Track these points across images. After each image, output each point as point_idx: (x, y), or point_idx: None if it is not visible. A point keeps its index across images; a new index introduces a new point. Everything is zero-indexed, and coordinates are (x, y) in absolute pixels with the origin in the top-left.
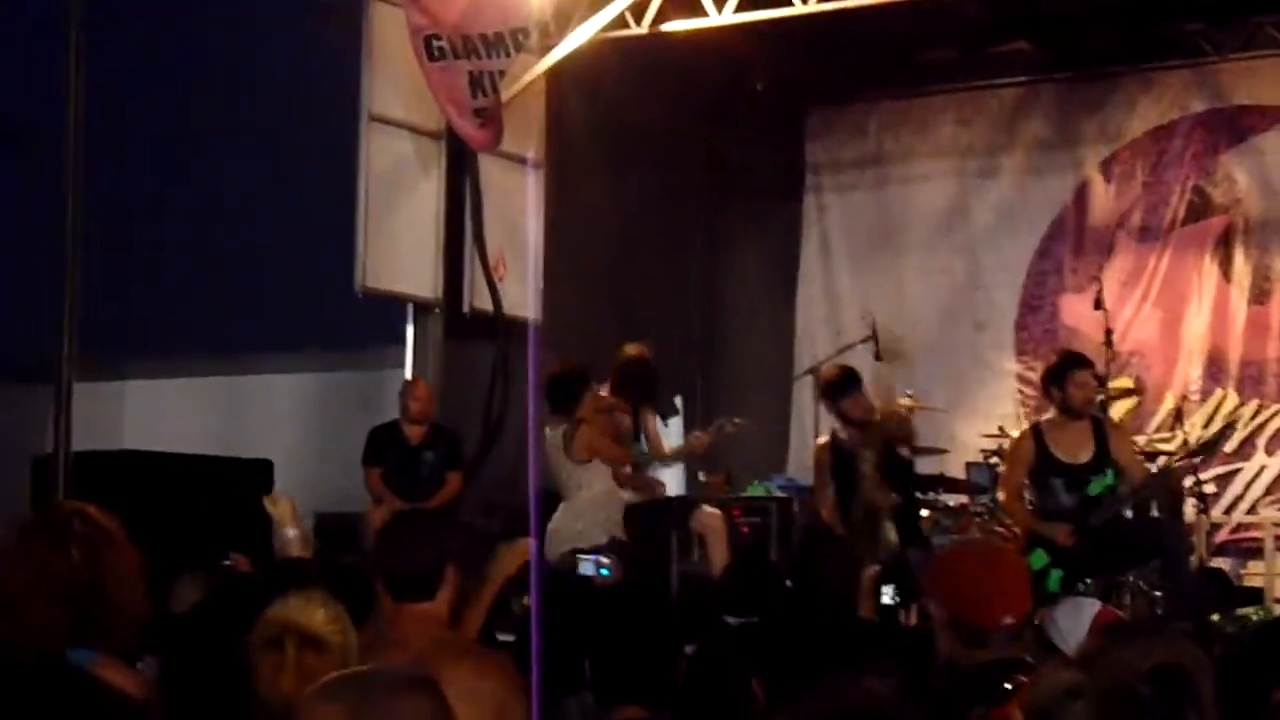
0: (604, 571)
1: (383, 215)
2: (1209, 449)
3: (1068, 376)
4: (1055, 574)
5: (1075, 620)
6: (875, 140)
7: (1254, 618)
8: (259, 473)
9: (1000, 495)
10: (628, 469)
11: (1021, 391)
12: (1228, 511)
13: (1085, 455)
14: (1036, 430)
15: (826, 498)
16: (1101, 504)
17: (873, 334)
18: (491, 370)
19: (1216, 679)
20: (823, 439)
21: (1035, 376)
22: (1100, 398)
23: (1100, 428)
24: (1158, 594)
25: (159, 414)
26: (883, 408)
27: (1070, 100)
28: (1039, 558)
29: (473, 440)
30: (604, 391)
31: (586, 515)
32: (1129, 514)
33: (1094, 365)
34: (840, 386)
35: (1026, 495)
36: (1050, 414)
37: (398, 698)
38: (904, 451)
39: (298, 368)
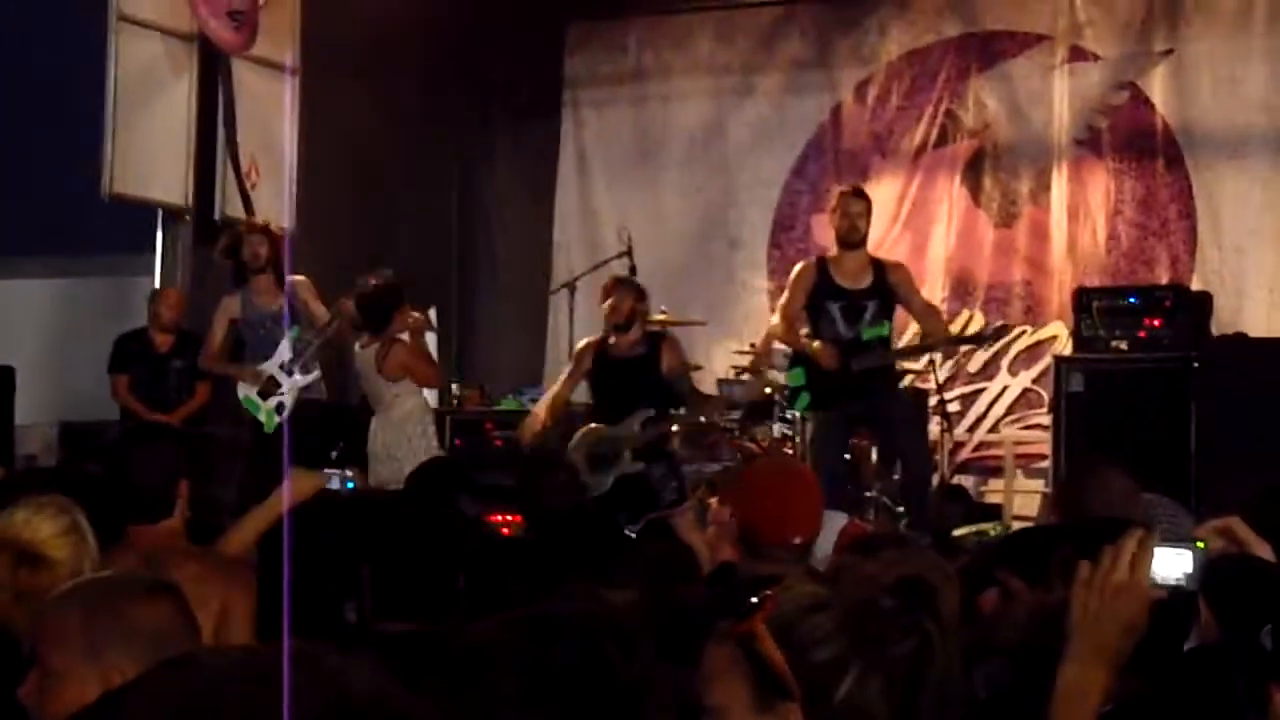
0: (349, 485)
1: (132, 119)
2: (977, 340)
3: (840, 202)
4: (805, 396)
5: (827, 530)
6: (634, 56)
7: (992, 533)
8: (0, 379)
9: (774, 319)
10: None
11: (774, 310)
12: (970, 430)
13: (864, 282)
14: (820, 259)
15: (555, 396)
16: (870, 349)
17: (628, 249)
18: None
19: (959, 590)
20: (587, 340)
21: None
22: None
23: (880, 265)
24: (900, 509)
25: None
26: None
27: (827, 21)
28: (796, 376)
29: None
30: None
31: (402, 430)
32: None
33: (865, 195)
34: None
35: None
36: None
37: (136, 602)
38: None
39: (43, 273)
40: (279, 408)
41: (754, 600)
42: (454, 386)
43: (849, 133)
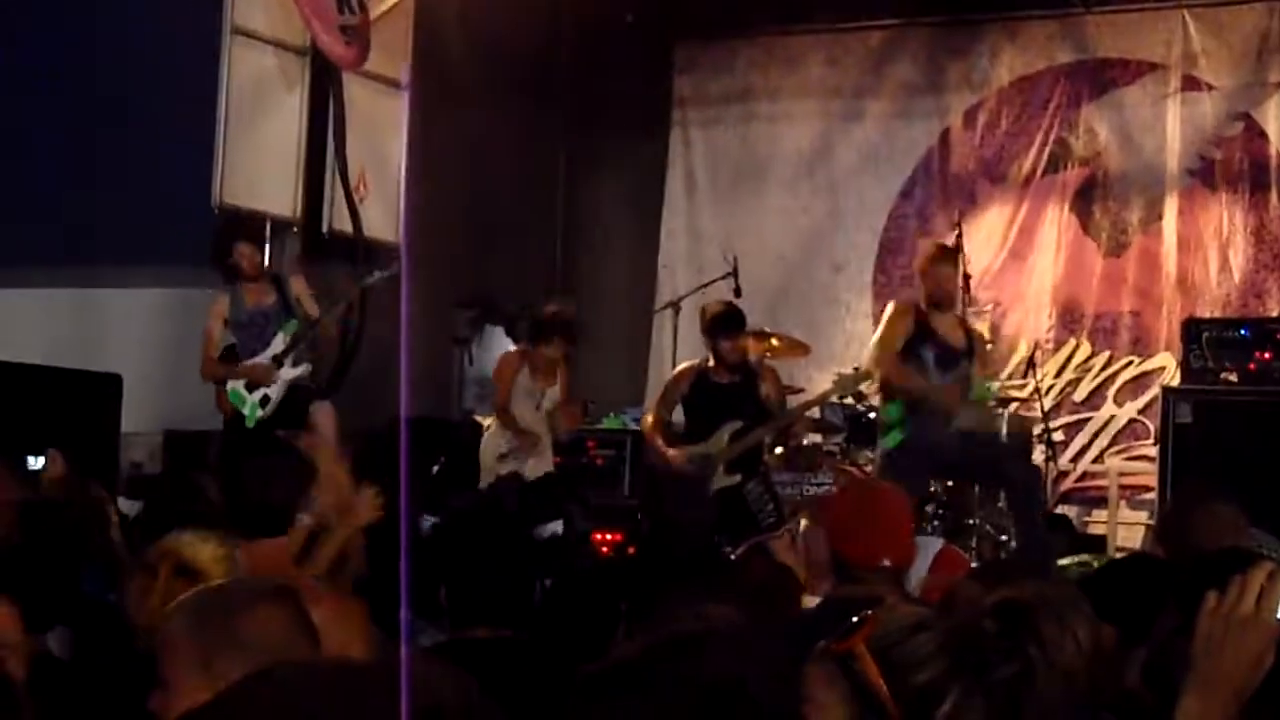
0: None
1: (243, 131)
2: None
3: (930, 266)
4: (897, 434)
5: (922, 555)
6: (743, 77)
7: (1094, 565)
8: (108, 387)
9: (869, 354)
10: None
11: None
12: (1074, 460)
13: (958, 340)
14: (918, 306)
15: (654, 418)
16: (977, 404)
17: (733, 271)
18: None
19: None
20: (687, 364)
21: None
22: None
23: (969, 331)
24: (1004, 538)
25: (7, 324)
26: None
27: (937, 46)
28: (895, 409)
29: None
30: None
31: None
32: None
33: (956, 257)
34: (723, 324)
35: None
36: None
37: (246, 612)
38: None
39: (152, 283)
40: (263, 400)
41: (854, 620)
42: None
43: (957, 158)
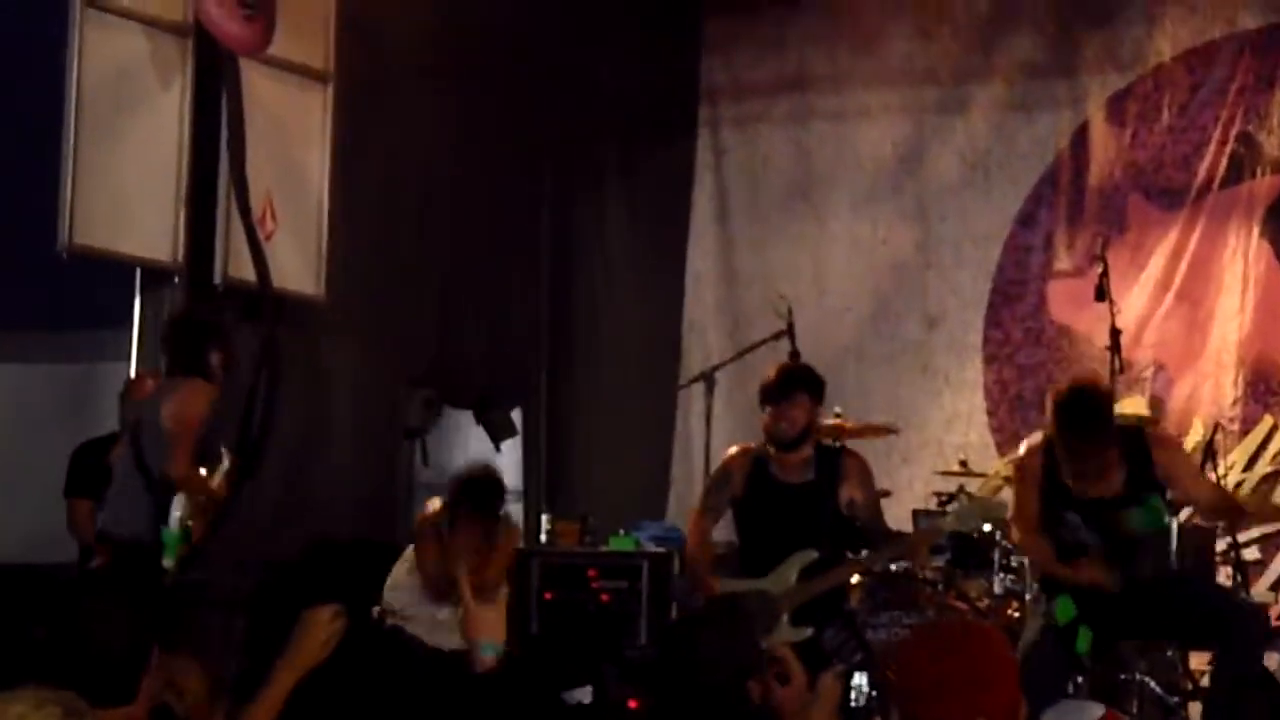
0: None
1: (102, 144)
2: None
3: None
4: (1085, 633)
5: None
6: (797, 58)
7: None
8: None
9: (1013, 529)
10: None
11: (994, 414)
12: (1276, 589)
13: (1114, 485)
14: (1048, 446)
15: (700, 528)
16: (1147, 545)
17: (788, 328)
18: (254, 368)
19: None
20: (740, 448)
21: (1011, 391)
22: None
23: (1136, 442)
24: (1174, 700)
25: None
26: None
27: (1070, 11)
28: (1066, 608)
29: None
30: None
31: None
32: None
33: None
34: (775, 389)
35: None
36: None
37: None
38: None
39: None
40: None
41: None
42: (544, 519)
43: (1099, 165)
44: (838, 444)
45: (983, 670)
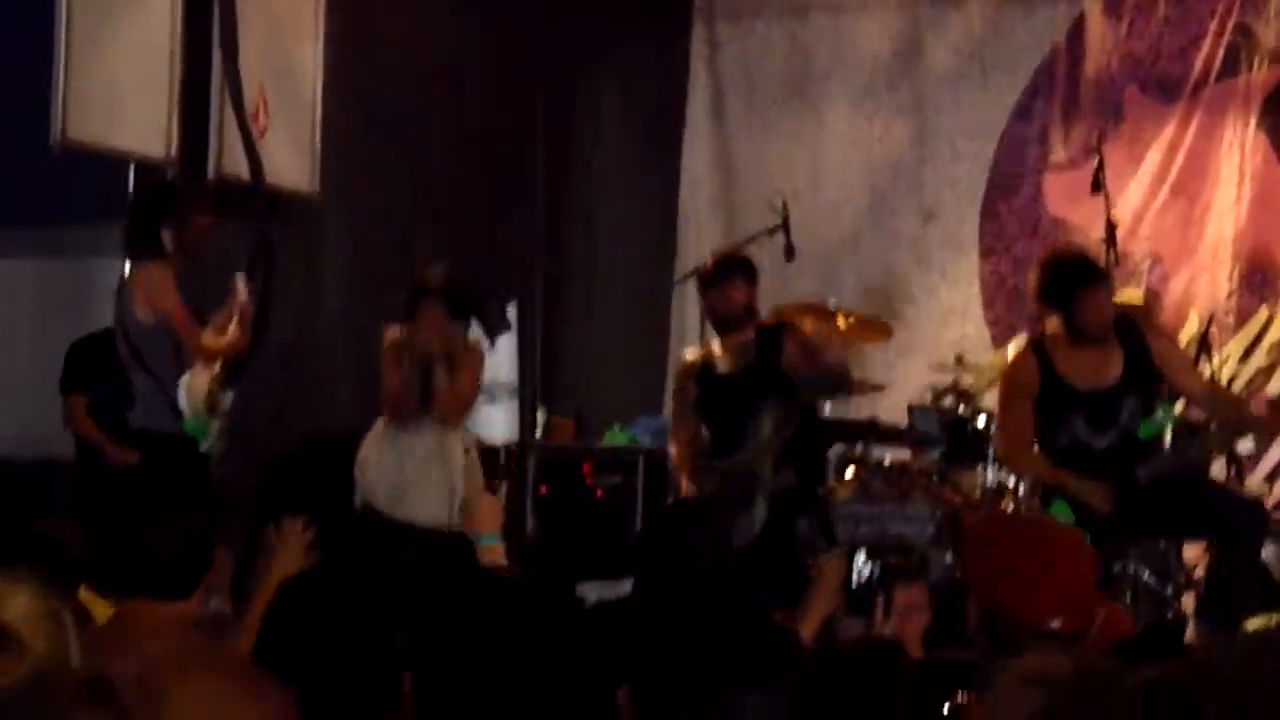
0: None
1: (94, 37)
2: None
3: (1078, 296)
4: (1063, 507)
5: None
6: None
7: None
8: None
9: (998, 443)
10: None
11: (990, 308)
12: (1270, 480)
13: (1112, 375)
14: (1038, 347)
15: (679, 436)
16: (1154, 453)
17: (783, 223)
18: (248, 262)
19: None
20: (689, 353)
21: (1007, 284)
22: None
23: (1132, 330)
24: (1168, 591)
25: None
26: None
27: None
28: (1061, 511)
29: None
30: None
31: None
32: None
33: (1106, 280)
34: (711, 276)
35: None
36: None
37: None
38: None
39: None
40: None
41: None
42: (539, 414)
43: (1095, 57)
44: (779, 323)
45: (1070, 565)
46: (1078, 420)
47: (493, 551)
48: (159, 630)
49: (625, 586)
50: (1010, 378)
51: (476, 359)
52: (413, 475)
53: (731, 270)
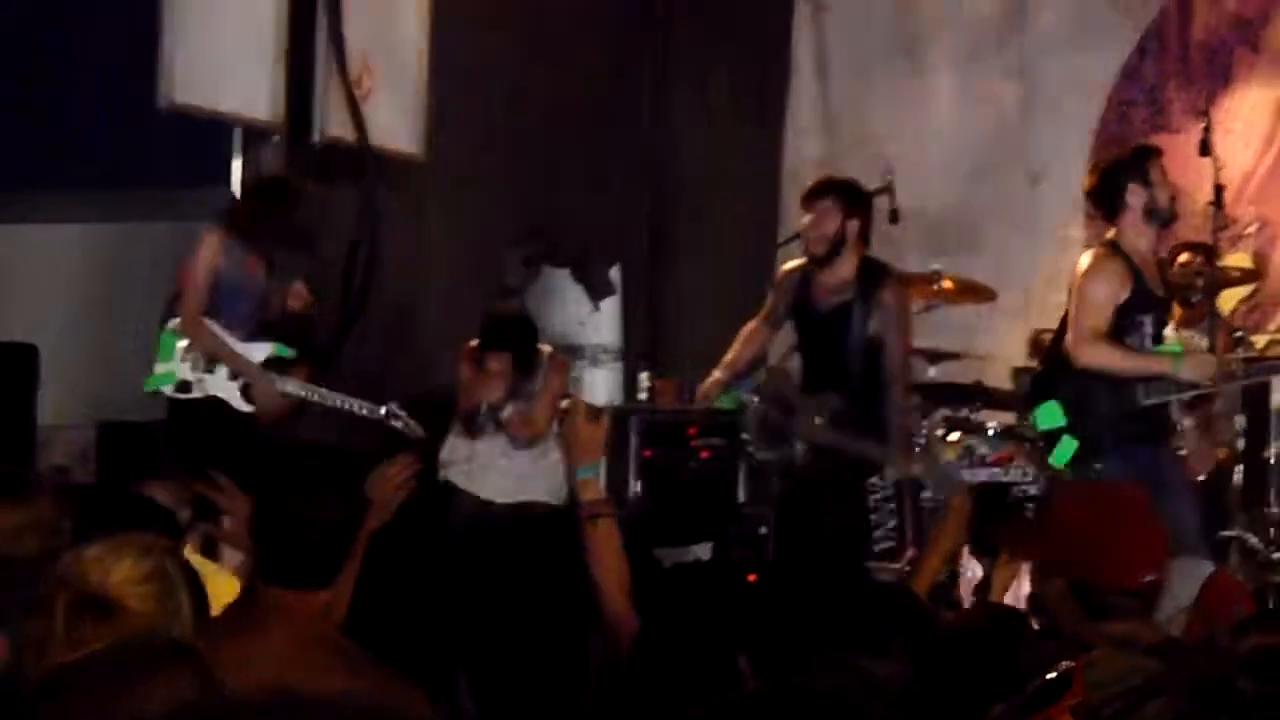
0: None
1: (200, 4)
2: None
3: (1148, 172)
4: (1068, 443)
5: (1185, 583)
6: None
7: None
8: (19, 363)
9: (1077, 342)
10: None
11: None
12: None
13: (1163, 287)
14: (1127, 255)
15: (747, 331)
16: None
17: (887, 186)
18: (356, 223)
19: None
20: (793, 262)
21: None
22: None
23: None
24: (1275, 555)
25: None
26: None
27: None
28: (1051, 413)
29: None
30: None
31: None
32: None
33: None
34: (804, 197)
35: None
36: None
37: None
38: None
39: (79, 215)
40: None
41: (1051, 678)
42: (643, 377)
43: (1204, 19)
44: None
45: (1144, 521)
46: (1147, 324)
47: (590, 486)
48: (293, 618)
49: (696, 551)
50: (1092, 276)
51: (558, 372)
52: (485, 459)
53: (822, 190)
